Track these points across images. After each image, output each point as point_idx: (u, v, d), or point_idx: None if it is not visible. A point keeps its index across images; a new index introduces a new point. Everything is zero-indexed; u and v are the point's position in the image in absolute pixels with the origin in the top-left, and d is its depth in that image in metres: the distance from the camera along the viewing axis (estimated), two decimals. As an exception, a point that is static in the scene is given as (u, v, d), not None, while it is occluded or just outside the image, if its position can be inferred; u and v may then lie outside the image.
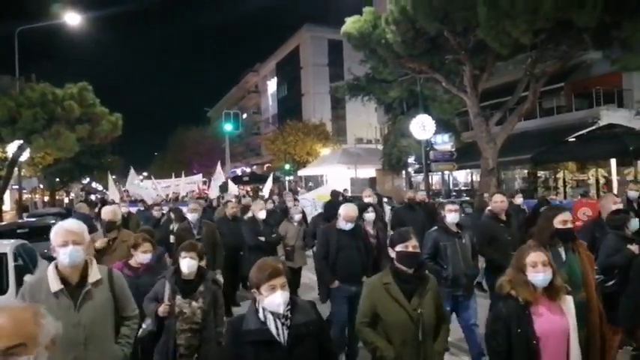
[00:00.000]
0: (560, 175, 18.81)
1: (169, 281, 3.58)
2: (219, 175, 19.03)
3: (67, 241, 2.65)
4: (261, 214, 6.92)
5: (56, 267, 2.71)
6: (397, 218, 7.82)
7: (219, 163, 20.86)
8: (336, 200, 9.34)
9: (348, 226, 4.86)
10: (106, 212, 5.10)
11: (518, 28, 10.54)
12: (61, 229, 2.72)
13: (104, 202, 18.22)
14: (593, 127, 16.98)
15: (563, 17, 10.44)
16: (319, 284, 5.72)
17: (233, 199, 11.02)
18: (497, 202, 5.48)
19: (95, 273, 2.77)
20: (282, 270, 2.35)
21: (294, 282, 6.68)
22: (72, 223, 2.82)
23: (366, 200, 7.44)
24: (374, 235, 5.57)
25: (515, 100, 14.60)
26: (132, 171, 19.37)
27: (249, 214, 7.31)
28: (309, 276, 7.97)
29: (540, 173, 20.01)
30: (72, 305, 2.65)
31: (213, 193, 17.17)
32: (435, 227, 4.92)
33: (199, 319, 3.52)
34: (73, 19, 19.32)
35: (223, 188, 18.03)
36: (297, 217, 7.46)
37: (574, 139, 16.83)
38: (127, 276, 3.84)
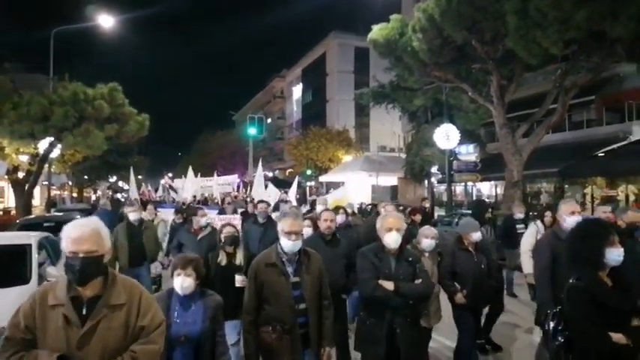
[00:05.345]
0: (588, 190, 18.31)
1: None
2: (260, 178, 17.37)
3: None
4: (396, 240, 3.39)
5: None
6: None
7: (259, 164, 19.03)
8: (482, 214, 6.66)
9: None
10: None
11: (549, 37, 10.34)
12: None
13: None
14: (625, 142, 16.49)
15: (596, 28, 10.19)
16: None
17: (326, 203, 7.59)
18: None
19: None
20: None
21: (419, 352, 3.71)
22: None
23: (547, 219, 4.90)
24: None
25: (543, 111, 14.32)
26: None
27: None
28: (441, 341, 5.19)
29: (567, 188, 19.51)
30: None
31: (259, 195, 14.73)
32: None
33: None
34: (106, 21, 19.88)
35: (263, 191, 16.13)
36: (429, 242, 4.37)
37: (603, 154, 16.38)
38: None
